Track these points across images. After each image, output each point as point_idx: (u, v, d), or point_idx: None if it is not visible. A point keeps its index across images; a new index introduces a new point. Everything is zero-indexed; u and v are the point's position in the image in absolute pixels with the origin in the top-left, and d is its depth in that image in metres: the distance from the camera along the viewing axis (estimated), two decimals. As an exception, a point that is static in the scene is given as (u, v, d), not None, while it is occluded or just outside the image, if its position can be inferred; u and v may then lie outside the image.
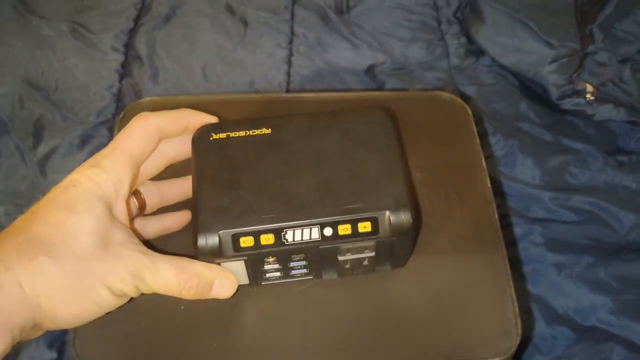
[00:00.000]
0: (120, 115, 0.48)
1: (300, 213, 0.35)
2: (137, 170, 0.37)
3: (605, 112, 0.70)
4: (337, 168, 0.36)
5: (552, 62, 0.75)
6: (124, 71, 0.78)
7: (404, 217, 0.35)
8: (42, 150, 0.72)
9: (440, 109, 0.47)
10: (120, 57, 0.79)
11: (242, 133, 0.38)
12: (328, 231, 0.35)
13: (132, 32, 0.81)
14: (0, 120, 0.73)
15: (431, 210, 0.42)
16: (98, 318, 0.35)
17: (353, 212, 0.35)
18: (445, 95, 0.48)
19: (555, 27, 0.78)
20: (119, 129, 0.48)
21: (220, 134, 0.38)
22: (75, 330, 0.37)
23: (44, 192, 0.71)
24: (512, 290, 0.38)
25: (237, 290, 0.37)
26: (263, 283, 0.38)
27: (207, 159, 0.37)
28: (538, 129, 0.71)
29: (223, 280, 0.36)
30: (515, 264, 0.62)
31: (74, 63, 0.78)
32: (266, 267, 0.36)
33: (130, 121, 0.37)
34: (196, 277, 0.35)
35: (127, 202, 0.36)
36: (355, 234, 0.35)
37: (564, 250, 0.62)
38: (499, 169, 0.68)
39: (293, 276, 0.38)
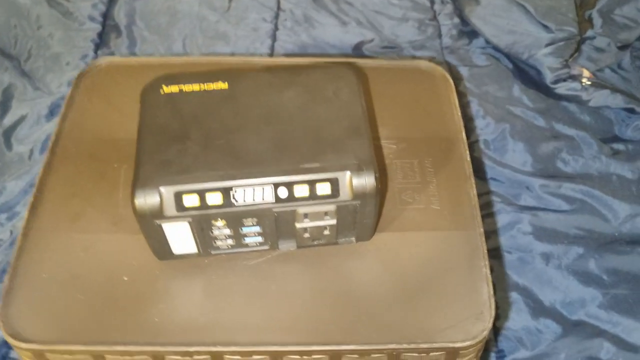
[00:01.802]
0: (78, 73, 0.45)
1: (253, 171, 0.31)
2: None
3: (602, 98, 0.67)
4: (297, 125, 0.33)
5: (548, 45, 0.71)
6: (101, 41, 0.75)
7: (367, 179, 0.31)
8: (8, 120, 0.68)
9: (420, 79, 0.43)
10: (97, 27, 0.75)
11: (196, 87, 0.35)
12: (283, 192, 0.31)
13: (111, 2, 0.78)
14: (-33, 87, 0.70)
15: (404, 183, 0.38)
16: (31, 290, 0.31)
17: (311, 171, 0.31)
18: (426, 64, 0.44)
19: (552, 10, 0.75)
20: (74, 89, 0.44)
21: (172, 87, 0.35)
22: (5, 303, 0.34)
23: (7, 164, 0.68)
24: (488, 270, 0.35)
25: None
26: (214, 252, 0.35)
27: (155, 111, 0.34)
28: (531, 114, 0.67)
29: None
30: (499, 252, 0.58)
31: (49, 32, 0.75)
32: (215, 232, 0.33)
33: None
34: None
35: None
36: (313, 196, 0.31)
37: (553, 240, 0.58)
38: (488, 153, 0.64)
39: (247, 245, 0.34)
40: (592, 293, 0.55)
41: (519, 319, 0.54)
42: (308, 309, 0.34)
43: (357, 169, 0.31)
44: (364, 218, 0.33)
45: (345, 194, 0.31)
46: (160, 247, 0.34)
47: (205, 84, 0.35)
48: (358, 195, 0.31)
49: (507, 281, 0.56)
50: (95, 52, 0.73)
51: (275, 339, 0.33)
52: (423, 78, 0.44)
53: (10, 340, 0.33)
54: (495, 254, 0.58)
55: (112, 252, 0.36)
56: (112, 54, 0.73)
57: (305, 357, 0.33)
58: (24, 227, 0.37)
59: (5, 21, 0.75)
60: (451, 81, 0.43)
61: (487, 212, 0.61)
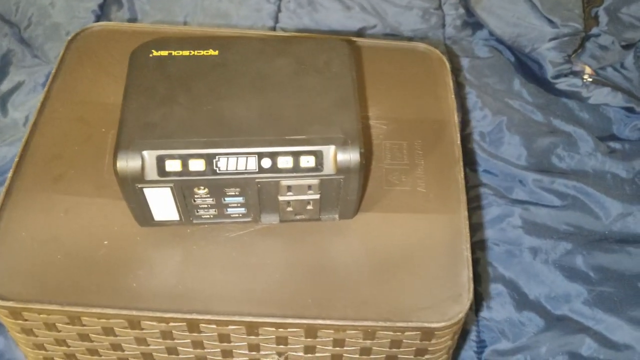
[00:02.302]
0: (69, 38, 0.44)
1: (237, 139, 0.31)
2: None
3: (602, 96, 0.66)
4: (285, 94, 0.32)
5: (552, 39, 0.70)
6: (101, 13, 0.74)
7: (352, 154, 0.31)
8: (5, 85, 0.68)
9: (417, 61, 0.43)
10: (99, -2, 0.75)
11: (186, 52, 0.34)
12: (266, 162, 0.31)
13: (114, -26, 0.77)
14: (-35, 51, 0.69)
15: (392, 164, 0.38)
16: (10, 248, 0.31)
17: (295, 143, 0.31)
18: (423, 46, 0.44)
19: (558, 5, 0.74)
20: (65, 52, 0.44)
21: (162, 51, 0.34)
22: None
23: (1, 129, 0.67)
24: (469, 254, 0.35)
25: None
26: (195, 221, 0.34)
27: (142, 74, 0.33)
28: (529, 108, 0.67)
29: None
30: (486, 244, 0.58)
31: (50, 1, 0.75)
32: (197, 200, 0.33)
33: None
34: None
35: None
36: (296, 168, 0.31)
37: (543, 235, 0.58)
38: (483, 145, 0.64)
39: (229, 216, 0.34)
40: (577, 289, 0.55)
41: (502, 310, 0.54)
42: (286, 282, 0.33)
43: (343, 144, 0.31)
44: (347, 194, 0.33)
45: (329, 168, 0.31)
46: (142, 213, 0.33)
47: (195, 50, 0.34)
48: (342, 170, 0.31)
49: (493, 273, 0.56)
50: (96, 23, 0.73)
51: (252, 310, 0.33)
52: (420, 60, 0.43)
53: (-13, 297, 0.33)
54: (482, 245, 0.58)
55: (94, 216, 0.36)
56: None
57: (280, 329, 0.33)
58: (6, 187, 0.37)
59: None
60: (447, 64, 0.43)
61: (478, 204, 0.60)
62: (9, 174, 0.37)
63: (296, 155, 0.31)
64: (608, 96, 0.66)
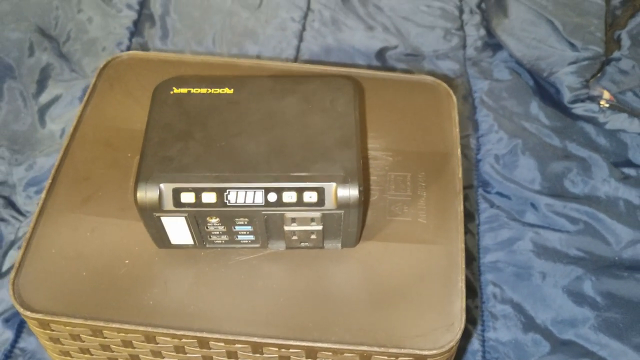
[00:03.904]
0: (101, 66, 0.48)
1: (246, 175, 0.34)
2: None
3: (619, 121, 0.67)
4: (292, 132, 0.35)
5: (571, 63, 0.71)
6: (136, 29, 0.78)
7: (351, 191, 0.33)
8: (44, 98, 0.72)
9: (423, 93, 0.45)
10: (133, 15, 0.78)
11: (203, 90, 0.37)
12: (272, 197, 0.33)
13: (149, -8, 0.81)
14: (7, 64, 0.74)
15: (396, 195, 0.40)
16: (41, 263, 0.34)
17: (300, 180, 0.33)
18: (430, 79, 0.46)
19: (580, 29, 0.75)
20: (97, 79, 0.48)
21: (182, 89, 0.37)
22: (17, 273, 0.37)
23: (40, 140, 0.72)
24: (463, 284, 0.37)
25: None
26: (208, 245, 0.37)
27: (163, 111, 0.36)
28: (546, 132, 0.68)
29: None
30: (496, 266, 0.59)
31: (88, 16, 0.79)
32: (210, 227, 0.35)
33: None
34: None
35: None
36: (300, 202, 0.34)
37: (552, 259, 0.59)
38: (497, 167, 0.65)
39: (239, 242, 0.37)
40: (584, 314, 0.56)
41: (509, 332, 0.56)
42: (290, 306, 0.36)
43: (343, 181, 0.33)
44: (348, 226, 0.35)
45: (330, 203, 0.34)
46: (159, 237, 0.36)
47: (212, 88, 0.37)
48: (342, 205, 0.34)
49: (502, 295, 0.58)
50: (130, 40, 0.77)
51: (257, 331, 0.35)
52: (427, 93, 0.45)
53: (19, 309, 0.36)
54: (492, 267, 0.59)
55: (117, 236, 0.39)
56: (145, 43, 0.76)
57: (283, 350, 0.35)
58: (39, 207, 0.40)
59: (48, 2, 0.79)
60: (454, 98, 0.45)
61: (489, 226, 0.62)
62: (42, 195, 0.41)
63: (300, 191, 0.33)
64: (625, 122, 0.67)
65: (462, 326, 0.35)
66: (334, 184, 0.33)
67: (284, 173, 0.33)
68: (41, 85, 0.73)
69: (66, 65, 0.75)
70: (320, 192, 0.33)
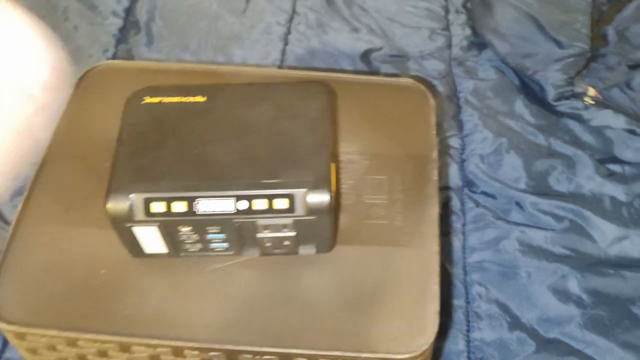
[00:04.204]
0: (79, 76, 0.48)
1: (216, 183, 0.34)
2: None
3: (604, 118, 0.67)
4: (263, 140, 0.35)
5: (557, 61, 0.71)
6: (121, 36, 0.78)
7: (322, 197, 0.33)
8: (31, 107, 0.72)
9: (401, 96, 0.45)
10: (119, 22, 0.79)
11: (175, 99, 0.37)
12: (243, 204, 0.34)
13: (134, -2, 0.81)
14: (-6, 74, 0.74)
15: (373, 199, 0.40)
16: (18, 275, 0.35)
17: (270, 187, 0.33)
18: (407, 81, 0.46)
19: (566, 26, 0.75)
20: (76, 89, 0.48)
21: (154, 98, 0.37)
22: None
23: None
24: (438, 288, 0.37)
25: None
26: (182, 254, 0.37)
27: (134, 121, 0.37)
28: (531, 130, 0.68)
29: None
30: (481, 265, 0.59)
31: (74, 25, 0.79)
32: (182, 236, 0.36)
33: None
34: None
35: None
36: (271, 210, 0.34)
37: (538, 258, 0.59)
38: (482, 167, 0.65)
39: (213, 250, 0.37)
40: (570, 312, 0.56)
41: (494, 332, 0.56)
42: (264, 312, 0.36)
43: (313, 187, 0.33)
44: (321, 232, 0.36)
45: (300, 209, 0.34)
46: (133, 247, 0.37)
47: (184, 97, 0.37)
48: (313, 211, 0.34)
49: (487, 294, 0.58)
50: (116, 47, 0.77)
51: (231, 338, 0.35)
52: (404, 96, 0.45)
53: (-6, 320, 0.36)
54: (478, 266, 0.59)
55: (94, 246, 0.39)
56: (130, 50, 0.77)
57: (257, 357, 0.35)
58: (17, 217, 0.40)
59: (35, 11, 0.79)
60: (432, 100, 0.45)
61: (475, 225, 0.62)
62: (19, 207, 0.41)
63: (270, 198, 0.33)
64: (610, 118, 0.67)
65: (436, 329, 0.35)
66: (304, 190, 0.33)
67: (255, 180, 0.34)
68: (29, 94, 0.73)
69: (53, 74, 0.75)
70: (291, 198, 0.33)
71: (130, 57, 0.76)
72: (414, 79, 0.46)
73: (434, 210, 0.40)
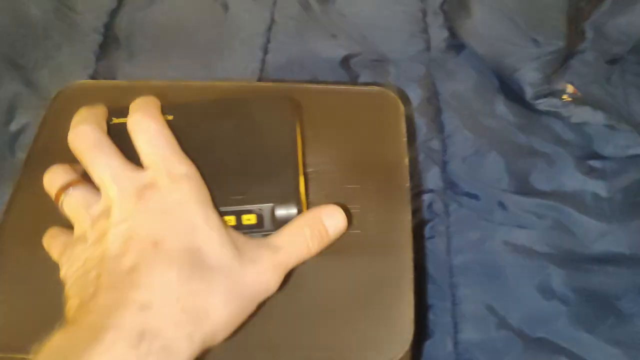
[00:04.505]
0: (51, 97, 0.48)
1: None
2: None
3: (582, 114, 0.67)
4: (230, 157, 0.35)
5: (534, 59, 0.71)
6: (101, 52, 0.78)
7: (290, 211, 0.33)
8: (13, 127, 0.73)
9: (371, 104, 0.45)
10: (99, 38, 0.79)
11: None
12: None
13: (113, 13, 0.81)
14: (-24, 96, 0.74)
15: (343, 209, 0.41)
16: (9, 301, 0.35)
17: (237, 203, 0.34)
18: (377, 89, 0.46)
19: (543, 24, 0.75)
20: (49, 110, 0.48)
21: (122, 119, 0.38)
22: None
23: (9, 169, 0.72)
24: (412, 295, 0.37)
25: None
26: None
27: None
28: (512, 129, 0.68)
29: (327, 212, 0.35)
30: (467, 266, 0.60)
31: (55, 42, 0.79)
32: None
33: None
34: (307, 226, 0.34)
35: None
36: (239, 226, 0.34)
37: (522, 257, 0.60)
38: (464, 168, 0.66)
39: None
40: (555, 310, 0.56)
41: (480, 333, 0.56)
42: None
43: (281, 201, 0.34)
44: None
45: (269, 224, 0.34)
46: None
47: None
48: (281, 225, 0.34)
49: (473, 295, 0.58)
50: (97, 63, 0.77)
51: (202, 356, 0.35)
52: (374, 104, 0.45)
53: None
54: (463, 268, 0.59)
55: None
56: (110, 66, 0.77)
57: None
58: (-6, 242, 0.40)
59: (15, 31, 0.80)
60: (401, 106, 0.45)
61: (459, 227, 0.62)
62: (-5, 230, 0.41)
63: (238, 214, 0.34)
64: (589, 114, 0.67)
65: (411, 336, 0.35)
66: (271, 205, 0.34)
67: (222, 198, 0.34)
68: (10, 114, 0.73)
69: (33, 93, 0.75)
70: (259, 214, 0.34)
71: (111, 72, 0.76)
72: (383, 86, 0.47)
73: (407, 218, 0.40)
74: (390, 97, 0.46)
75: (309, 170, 0.42)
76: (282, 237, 0.33)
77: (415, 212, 0.61)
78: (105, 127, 0.37)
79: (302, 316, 0.36)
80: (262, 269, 0.32)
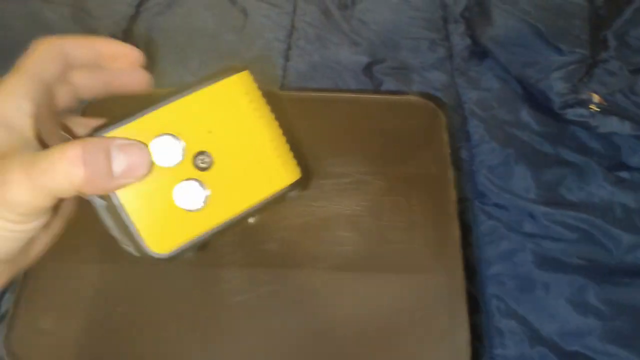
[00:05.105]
0: (83, 107, 0.47)
1: None
2: (45, 87, 0.32)
3: (609, 124, 0.66)
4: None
5: (558, 69, 0.71)
6: (120, 58, 0.77)
7: None
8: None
9: (412, 114, 0.45)
10: (117, 44, 0.78)
11: None
12: None
13: (132, 19, 0.80)
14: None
15: (389, 222, 0.40)
16: (32, 317, 0.34)
17: None
18: (418, 100, 0.45)
19: (565, 32, 0.74)
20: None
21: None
22: (9, 329, 0.36)
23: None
24: (466, 315, 0.36)
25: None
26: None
27: None
28: (538, 139, 0.68)
29: (125, 148, 0.28)
30: (499, 279, 0.59)
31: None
32: None
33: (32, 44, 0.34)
34: (80, 146, 0.27)
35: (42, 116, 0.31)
36: None
37: (554, 269, 0.59)
38: (492, 178, 0.65)
39: None
40: (589, 324, 0.56)
41: (515, 347, 0.55)
42: (288, 347, 0.35)
43: None
44: None
45: None
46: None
47: None
48: None
49: (506, 309, 0.57)
50: (115, 69, 0.76)
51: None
52: (415, 113, 0.45)
53: (14, 366, 0.35)
54: (494, 280, 0.59)
55: (107, 282, 0.38)
56: (130, 72, 0.76)
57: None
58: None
59: (31, 36, 0.78)
60: (443, 118, 0.44)
61: (489, 238, 0.61)
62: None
63: None
64: (616, 125, 0.66)
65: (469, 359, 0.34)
66: None
67: None
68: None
69: (51, 99, 0.74)
70: None
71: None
72: (422, 97, 0.46)
73: (455, 232, 0.39)
74: (430, 107, 0.45)
75: (349, 179, 0.42)
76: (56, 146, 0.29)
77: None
78: None
79: (354, 336, 0.35)
80: None
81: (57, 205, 0.31)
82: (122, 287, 0.37)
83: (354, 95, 0.45)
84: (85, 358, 0.35)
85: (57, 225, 0.36)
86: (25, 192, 0.28)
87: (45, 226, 0.32)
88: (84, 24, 0.79)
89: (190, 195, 0.31)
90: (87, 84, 0.35)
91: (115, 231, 0.31)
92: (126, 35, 0.78)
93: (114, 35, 0.78)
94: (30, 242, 0.32)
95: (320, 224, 0.36)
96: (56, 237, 0.36)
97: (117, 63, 0.35)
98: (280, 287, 0.37)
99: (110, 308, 0.37)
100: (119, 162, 0.28)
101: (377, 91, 0.61)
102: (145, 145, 0.29)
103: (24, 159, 0.28)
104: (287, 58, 0.77)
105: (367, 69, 0.75)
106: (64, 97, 0.35)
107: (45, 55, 0.33)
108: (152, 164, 0.30)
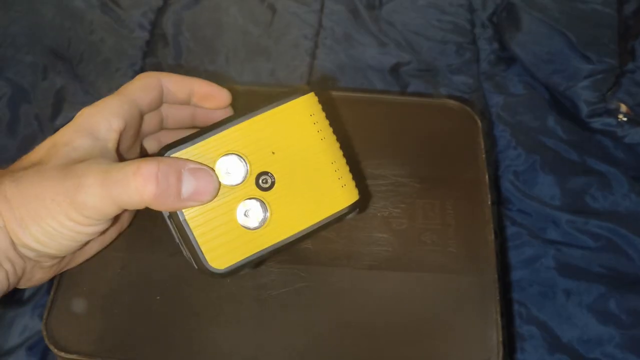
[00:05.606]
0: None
1: None
2: (137, 111, 0.35)
3: (637, 135, 0.66)
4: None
5: (587, 77, 0.71)
6: (148, 50, 0.78)
7: None
8: (60, 121, 0.72)
9: (448, 118, 0.45)
10: (146, 35, 0.78)
11: None
12: None
13: (160, 11, 0.81)
14: (22, 88, 0.74)
15: (424, 224, 0.40)
16: (72, 303, 0.35)
17: None
18: (454, 103, 0.45)
19: (595, 41, 0.74)
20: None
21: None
22: (49, 314, 0.37)
23: (56, 163, 0.71)
24: (499, 317, 0.36)
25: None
26: None
27: None
28: (564, 147, 0.68)
29: (195, 172, 0.30)
30: (520, 285, 0.59)
31: (100, 37, 0.79)
32: None
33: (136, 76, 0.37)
34: (154, 165, 0.29)
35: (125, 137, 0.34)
36: None
37: (576, 277, 0.59)
38: (517, 184, 0.65)
39: None
40: (610, 332, 0.56)
41: (535, 353, 0.55)
42: (320, 341, 0.36)
43: None
44: None
45: None
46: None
47: None
48: None
49: (527, 314, 0.57)
50: (143, 60, 0.77)
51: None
52: (451, 117, 0.45)
53: (53, 349, 0.36)
54: (516, 286, 0.59)
55: (148, 272, 0.39)
56: (158, 63, 0.76)
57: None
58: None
59: (60, 24, 0.79)
60: (479, 122, 0.45)
61: (511, 244, 0.62)
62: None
63: None
64: (643, 135, 0.67)
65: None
66: None
67: None
68: (56, 108, 0.73)
69: (80, 87, 0.75)
70: None
71: (157, 70, 0.76)
72: (459, 101, 0.46)
73: (489, 236, 0.40)
74: (466, 112, 0.45)
75: (385, 182, 0.42)
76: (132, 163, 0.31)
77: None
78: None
79: (386, 334, 0.36)
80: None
81: (117, 216, 0.33)
82: (161, 276, 0.38)
83: (388, 97, 0.45)
84: (124, 344, 0.36)
85: (110, 236, 0.38)
86: (96, 197, 0.30)
87: (101, 233, 0.34)
88: (112, 14, 0.79)
89: (251, 214, 0.32)
90: (175, 115, 0.38)
91: (178, 240, 0.33)
92: (154, 28, 0.79)
93: (142, 27, 0.79)
94: (84, 245, 0.34)
95: (355, 224, 0.37)
96: (104, 247, 0.37)
97: (207, 103, 0.38)
98: (315, 283, 0.37)
99: (148, 296, 0.37)
100: (188, 185, 0.30)
101: (412, 93, 0.61)
102: (213, 170, 0.31)
103: (101, 167, 0.30)
104: (313, 56, 0.77)
105: (394, 70, 0.76)
106: (151, 123, 0.37)
107: (145, 85, 0.36)
108: (218, 189, 0.31)
